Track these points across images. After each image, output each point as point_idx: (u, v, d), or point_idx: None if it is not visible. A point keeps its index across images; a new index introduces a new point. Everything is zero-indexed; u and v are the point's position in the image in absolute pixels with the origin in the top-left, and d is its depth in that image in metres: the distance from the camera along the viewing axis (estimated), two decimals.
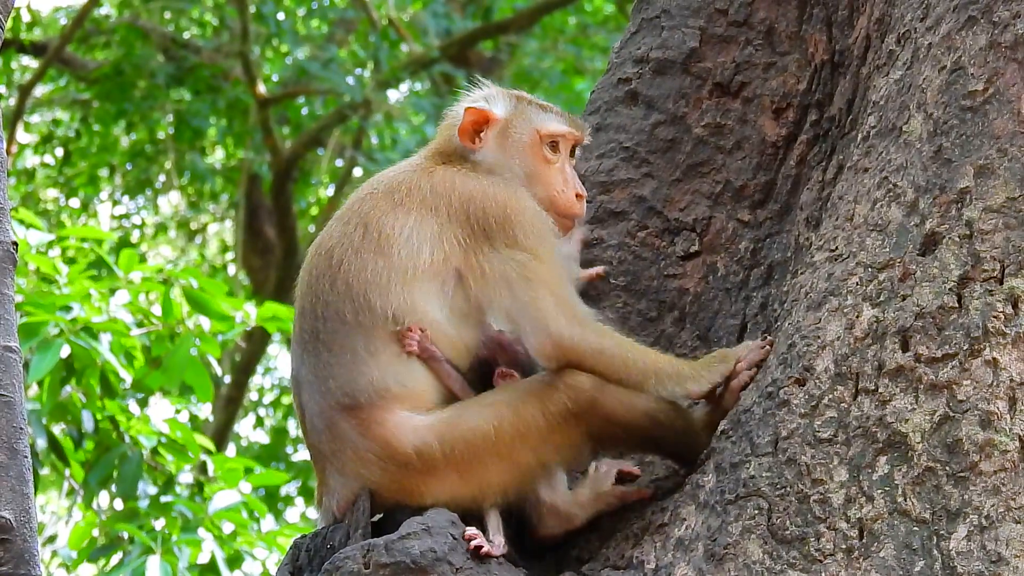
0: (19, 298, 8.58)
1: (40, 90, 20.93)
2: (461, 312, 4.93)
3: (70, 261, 9.47)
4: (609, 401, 4.84)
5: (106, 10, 21.44)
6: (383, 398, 4.82)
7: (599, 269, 5.57)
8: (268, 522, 10.95)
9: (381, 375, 4.82)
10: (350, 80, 19.94)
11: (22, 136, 21.00)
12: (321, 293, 4.93)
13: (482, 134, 5.18)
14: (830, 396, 4.56)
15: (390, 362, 4.84)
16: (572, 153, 5.28)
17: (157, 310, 9.31)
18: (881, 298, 4.59)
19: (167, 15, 21.14)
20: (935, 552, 4.33)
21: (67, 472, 9.53)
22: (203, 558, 9.32)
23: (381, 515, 4.88)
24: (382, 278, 4.86)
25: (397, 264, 4.87)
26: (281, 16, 20.16)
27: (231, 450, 20.86)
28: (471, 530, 4.70)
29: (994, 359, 4.43)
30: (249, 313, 9.23)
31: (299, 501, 21.13)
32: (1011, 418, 4.39)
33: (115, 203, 22.62)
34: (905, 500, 4.39)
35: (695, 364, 4.96)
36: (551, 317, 4.83)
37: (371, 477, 4.84)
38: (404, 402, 4.83)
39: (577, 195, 5.20)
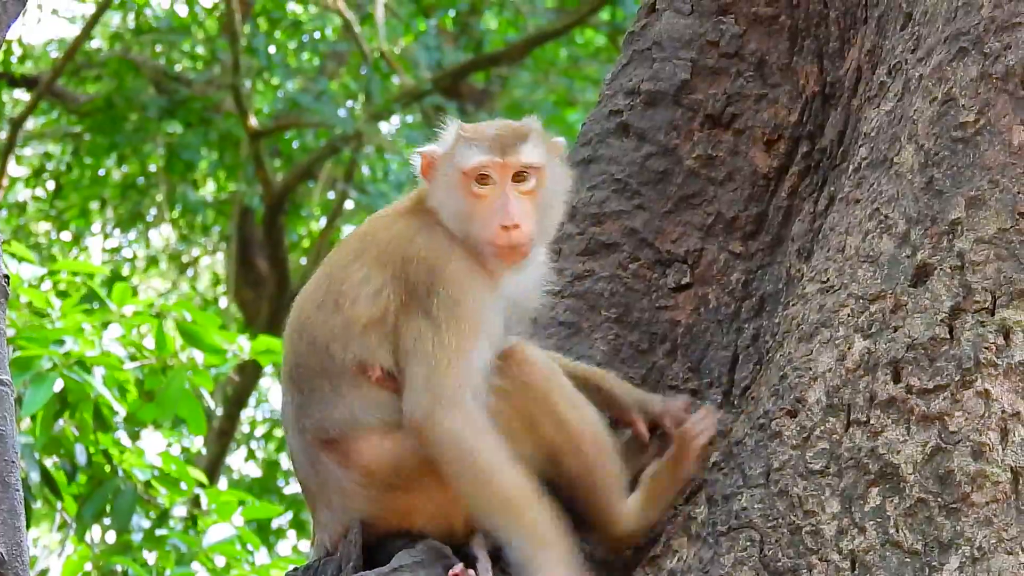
0: (11, 332, 8.57)
1: (31, 123, 20.96)
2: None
3: (62, 295, 9.43)
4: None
5: (97, 43, 21.49)
6: (354, 429, 4.82)
7: None
8: (262, 555, 10.91)
9: (350, 411, 4.81)
10: (342, 112, 19.98)
11: (14, 169, 21.01)
12: (293, 343, 4.96)
13: None
14: (822, 427, 4.55)
15: (358, 398, 4.82)
16: (522, 178, 4.88)
17: (150, 343, 9.30)
18: (873, 329, 4.60)
19: (158, 48, 21.18)
20: None
21: (60, 506, 9.50)
22: None
23: (373, 545, 4.88)
24: (338, 331, 4.85)
25: (349, 316, 4.84)
26: (272, 49, 20.19)
27: (223, 483, 20.83)
28: (457, 567, 4.69)
29: (986, 390, 4.43)
30: (242, 346, 9.24)
31: (291, 534, 21.09)
32: (1003, 449, 4.39)
33: (107, 236, 22.64)
34: (897, 531, 4.39)
35: (563, 539, 4.65)
36: (413, 392, 4.72)
37: (358, 507, 4.84)
38: (375, 431, 4.82)
39: (505, 226, 4.84)
